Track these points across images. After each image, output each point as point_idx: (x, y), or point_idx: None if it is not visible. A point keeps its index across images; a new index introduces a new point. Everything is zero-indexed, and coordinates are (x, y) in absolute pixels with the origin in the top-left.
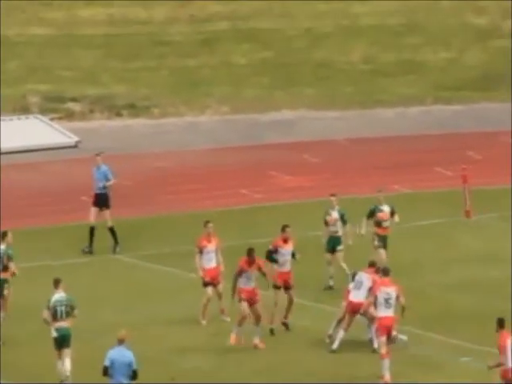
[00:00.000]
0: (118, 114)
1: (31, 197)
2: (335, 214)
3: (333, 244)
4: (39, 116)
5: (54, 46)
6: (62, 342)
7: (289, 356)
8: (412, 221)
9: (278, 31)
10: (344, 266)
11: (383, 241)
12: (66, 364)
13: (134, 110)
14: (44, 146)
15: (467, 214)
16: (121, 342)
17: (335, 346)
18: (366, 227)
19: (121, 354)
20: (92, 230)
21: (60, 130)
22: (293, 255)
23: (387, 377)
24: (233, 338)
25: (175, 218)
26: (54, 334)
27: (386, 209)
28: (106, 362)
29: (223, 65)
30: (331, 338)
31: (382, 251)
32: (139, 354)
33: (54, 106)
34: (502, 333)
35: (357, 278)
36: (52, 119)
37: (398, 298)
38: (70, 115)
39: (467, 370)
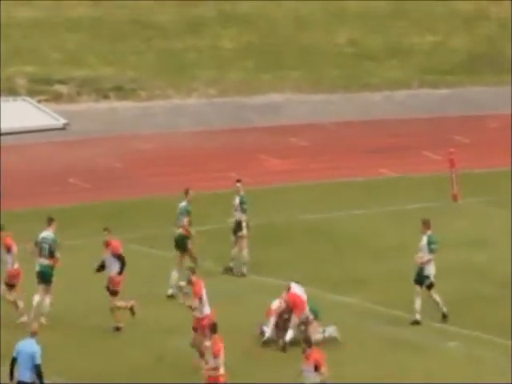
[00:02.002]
0: (106, 97)
1: (19, 179)
2: (236, 200)
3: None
4: (27, 98)
5: (41, 28)
6: (42, 277)
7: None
8: (399, 204)
9: (264, 15)
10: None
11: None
12: (46, 301)
13: (121, 92)
14: (32, 128)
15: (454, 197)
16: (33, 334)
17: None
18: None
19: (28, 347)
20: None
21: (48, 112)
22: None
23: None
24: None
25: (162, 200)
26: (37, 268)
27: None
28: (14, 353)
29: (210, 48)
30: None
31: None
32: (127, 335)
33: (41, 89)
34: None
35: None
36: (39, 101)
37: None
38: (57, 97)
39: (454, 353)
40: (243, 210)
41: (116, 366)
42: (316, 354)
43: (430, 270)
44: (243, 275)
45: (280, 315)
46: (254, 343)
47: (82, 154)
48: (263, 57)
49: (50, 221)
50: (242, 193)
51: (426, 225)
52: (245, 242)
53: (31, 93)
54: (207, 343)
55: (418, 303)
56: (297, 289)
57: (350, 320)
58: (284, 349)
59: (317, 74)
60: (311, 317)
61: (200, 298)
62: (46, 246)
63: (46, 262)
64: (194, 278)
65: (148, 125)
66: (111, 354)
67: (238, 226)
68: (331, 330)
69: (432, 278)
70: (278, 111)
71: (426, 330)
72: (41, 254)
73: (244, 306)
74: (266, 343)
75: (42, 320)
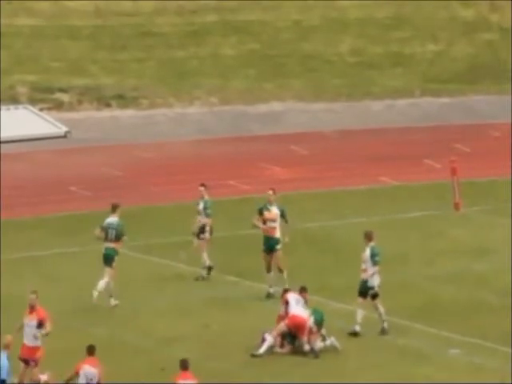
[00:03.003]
0: (107, 105)
1: (20, 187)
2: (201, 204)
3: None
4: (28, 106)
5: (42, 36)
6: (106, 260)
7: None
8: (400, 213)
9: (266, 23)
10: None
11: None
12: (101, 283)
13: (123, 100)
14: (33, 136)
15: (456, 206)
16: (5, 347)
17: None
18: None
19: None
20: None
21: (49, 120)
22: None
23: None
24: None
25: (163, 209)
26: (103, 251)
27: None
28: None
29: (211, 56)
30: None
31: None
32: (129, 344)
33: (42, 97)
34: None
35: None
36: (41, 110)
37: None
38: (58, 106)
39: (455, 361)
40: (207, 215)
41: (119, 375)
42: None
43: (375, 282)
44: (203, 278)
45: (283, 336)
46: (255, 349)
47: (83, 162)
48: (265, 65)
49: (115, 207)
50: (206, 197)
51: (369, 236)
52: (205, 246)
53: (33, 101)
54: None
55: (359, 315)
56: (293, 301)
57: (350, 328)
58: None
59: (318, 82)
60: (315, 329)
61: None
62: (113, 231)
63: (111, 245)
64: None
65: (149, 133)
66: (114, 364)
67: (201, 231)
68: (332, 339)
69: (376, 289)
70: (279, 120)
71: (426, 337)
72: (107, 239)
73: (246, 313)
74: (255, 356)
75: (112, 302)
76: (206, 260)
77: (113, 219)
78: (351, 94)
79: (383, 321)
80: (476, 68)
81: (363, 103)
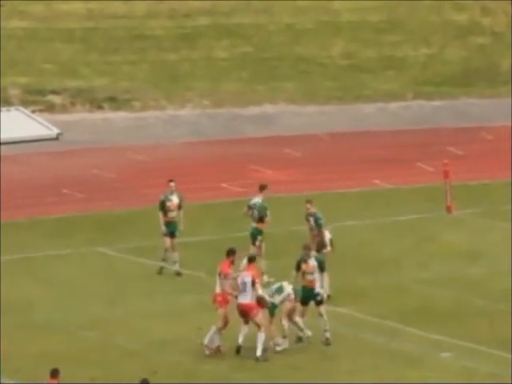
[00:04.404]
0: (99, 107)
1: (13, 189)
2: (176, 199)
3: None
4: (20, 108)
5: (35, 39)
6: (251, 238)
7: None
8: (393, 216)
9: (258, 26)
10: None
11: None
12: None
13: (115, 103)
14: (25, 138)
15: (448, 209)
16: None
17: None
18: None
19: None
20: None
21: (41, 122)
22: None
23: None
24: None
25: (156, 211)
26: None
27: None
28: None
29: (204, 59)
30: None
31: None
32: (121, 347)
33: (34, 99)
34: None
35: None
36: (33, 112)
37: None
38: (50, 108)
39: (447, 365)
40: (179, 208)
41: (112, 378)
42: None
43: (321, 288)
44: (179, 274)
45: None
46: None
47: (76, 165)
48: (257, 68)
49: (262, 187)
50: (176, 193)
51: (308, 247)
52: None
53: (25, 103)
54: None
55: (300, 321)
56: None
57: (344, 331)
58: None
59: (311, 85)
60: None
61: None
62: (255, 212)
63: (254, 225)
64: None
65: (142, 135)
66: (106, 367)
67: (172, 227)
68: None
69: (322, 294)
70: (271, 122)
71: (419, 341)
72: (252, 218)
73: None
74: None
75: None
76: (177, 256)
77: (257, 199)
78: (343, 97)
79: (325, 330)
80: (468, 71)
81: (355, 106)
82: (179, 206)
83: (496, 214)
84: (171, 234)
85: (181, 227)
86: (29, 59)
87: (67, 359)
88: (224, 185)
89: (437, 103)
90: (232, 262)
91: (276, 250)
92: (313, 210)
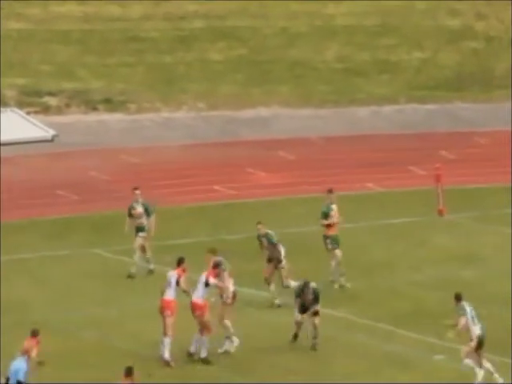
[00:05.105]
0: (95, 109)
1: (7, 190)
2: (140, 208)
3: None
4: (15, 109)
5: (31, 40)
6: None
7: (259, 353)
8: (385, 219)
9: (253, 30)
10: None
11: (336, 241)
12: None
13: (111, 104)
14: (20, 139)
15: (440, 212)
16: (23, 353)
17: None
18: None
19: (16, 364)
20: None
21: (37, 123)
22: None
23: None
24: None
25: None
26: None
27: (335, 208)
28: (8, 373)
29: (199, 62)
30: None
31: (337, 251)
32: (116, 348)
33: (30, 100)
34: None
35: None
36: (28, 113)
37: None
38: (46, 109)
39: (440, 367)
40: (148, 214)
41: (108, 378)
42: None
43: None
44: (151, 272)
45: None
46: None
47: (71, 166)
48: (252, 71)
49: (330, 191)
50: (141, 200)
51: (214, 253)
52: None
53: (21, 104)
54: None
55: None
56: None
57: (338, 333)
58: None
59: (305, 88)
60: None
61: None
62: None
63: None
64: None
65: (137, 137)
66: (102, 368)
67: (141, 230)
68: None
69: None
70: (266, 125)
71: (412, 343)
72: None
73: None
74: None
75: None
76: (150, 255)
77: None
78: (338, 101)
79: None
80: (462, 76)
81: (349, 110)
82: (147, 213)
83: (488, 217)
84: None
85: (151, 233)
86: (25, 61)
87: (63, 359)
88: (217, 187)
89: (430, 107)
90: (184, 270)
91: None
92: (263, 230)
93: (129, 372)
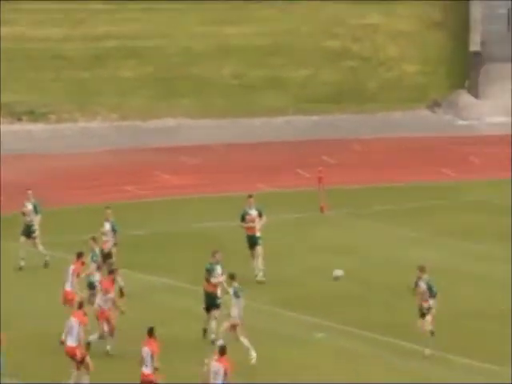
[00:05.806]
0: (19, 120)
1: None
2: (30, 206)
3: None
4: None
5: None
6: None
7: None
8: (274, 215)
9: (159, 49)
10: (40, 248)
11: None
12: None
13: (33, 115)
14: None
15: (321, 209)
16: None
17: None
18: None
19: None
20: None
21: None
22: None
23: None
24: None
25: (66, 212)
26: None
27: (253, 212)
28: None
29: (112, 77)
30: None
31: (258, 248)
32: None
33: None
34: None
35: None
36: None
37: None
38: None
39: (323, 345)
40: (37, 212)
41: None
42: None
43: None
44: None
45: None
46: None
47: None
48: (159, 86)
49: (250, 196)
50: (33, 200)
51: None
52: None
53: None
54: None
55: (213, 325)
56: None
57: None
58: None
59: (206, 101)
60: None
61: None
62: None
63: None
64: None
65: (58, 145)
66: (99, 371)
67: (31, 230)
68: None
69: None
70: (171, 134)
71: (296, 323)
72: None
73: (143, 304)
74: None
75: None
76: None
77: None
78: (234, 112)
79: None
80: (341, 91)
81: (245, 120)
82: (35, 211)
83: (362, 214)
84: (27, 235)
85: (36, 232)
86: None
87: (60, 363)
88: (129, 188)
89: (314, 118)
90: (82, 264)
91: (170, 245)
92: (111, 218)
93: (151, 332)
